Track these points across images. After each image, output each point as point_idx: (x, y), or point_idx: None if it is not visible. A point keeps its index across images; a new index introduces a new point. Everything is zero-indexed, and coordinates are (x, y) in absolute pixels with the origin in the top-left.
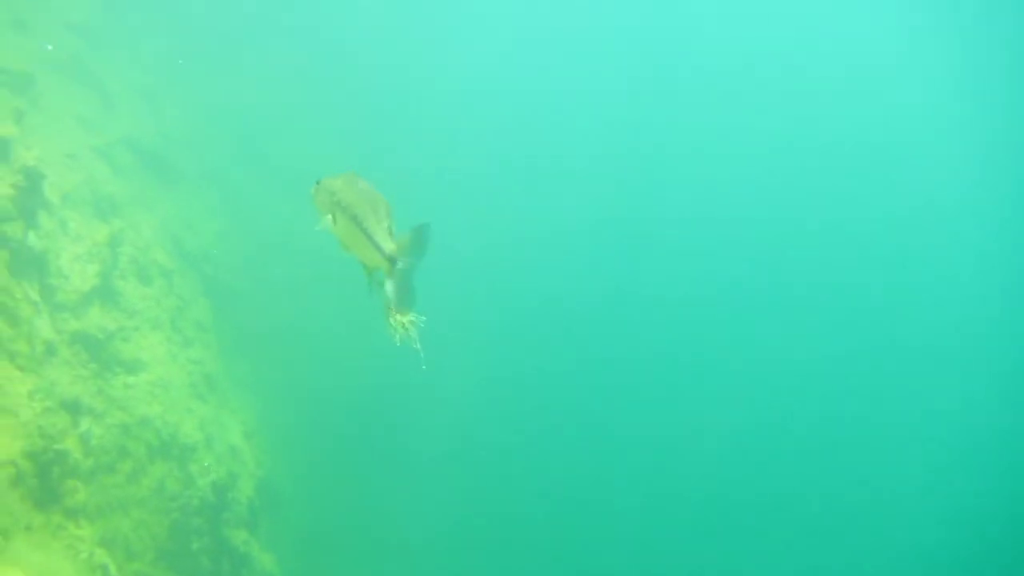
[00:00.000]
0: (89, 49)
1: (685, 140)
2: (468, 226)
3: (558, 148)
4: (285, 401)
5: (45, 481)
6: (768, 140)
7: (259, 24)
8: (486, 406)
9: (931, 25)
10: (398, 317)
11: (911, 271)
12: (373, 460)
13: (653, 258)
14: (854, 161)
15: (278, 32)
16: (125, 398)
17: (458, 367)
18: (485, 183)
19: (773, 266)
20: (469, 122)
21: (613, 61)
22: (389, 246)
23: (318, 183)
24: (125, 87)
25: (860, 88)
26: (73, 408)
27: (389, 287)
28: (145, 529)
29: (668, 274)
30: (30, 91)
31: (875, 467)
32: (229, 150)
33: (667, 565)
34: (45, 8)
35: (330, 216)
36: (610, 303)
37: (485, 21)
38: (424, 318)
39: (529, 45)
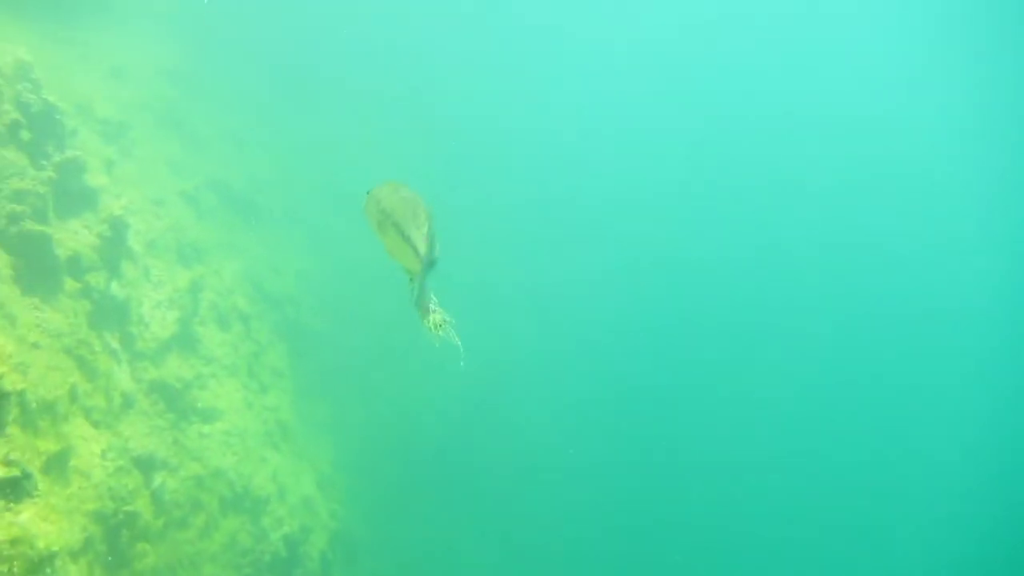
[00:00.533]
0: (181, 95)
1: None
2: (544, 258)
3: (636, 183)
4: (362, 442)
5: (114, 545)
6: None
7: (344, 64)
8: (571, 446)
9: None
10: (433, 317)
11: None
12: (452, 502)
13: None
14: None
15: (362, 71)
16: (200, 448)
17: (540, 405)
18: (566, 215)
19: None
20: (545, 156)
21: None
22: (424, 249)
23: (368, 193)
24: (214, 130)
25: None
26: (147, 464)
27: (416, 288)
28: None
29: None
30: (123, 138)
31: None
32: (314, 189)
33: None
34: (140, 56)
35: (377, 223)
36: (687, 333)
37: (561, 59)
38: (451, 319)
39: (607, 90)
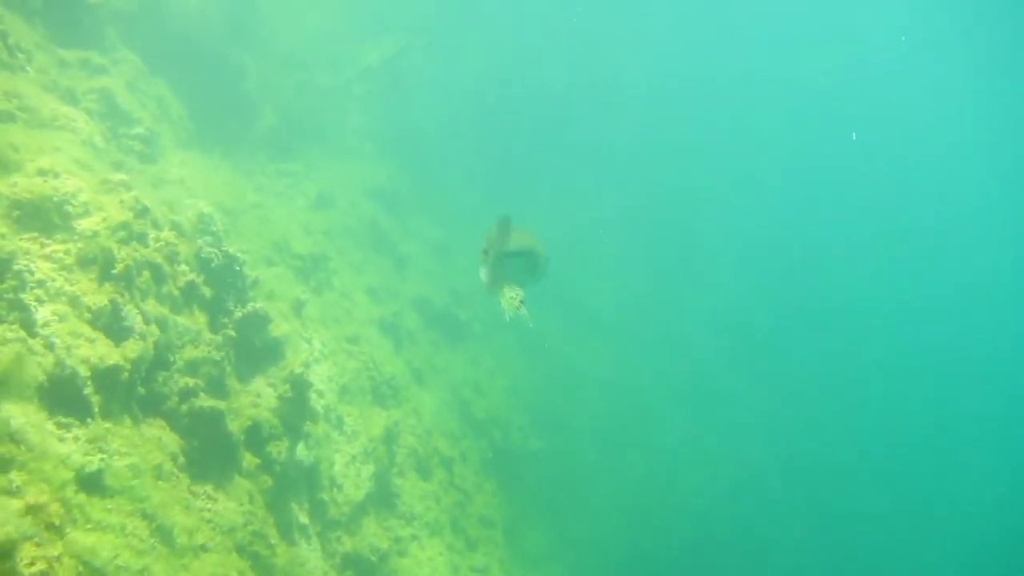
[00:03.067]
0: (384, 214)
1: None
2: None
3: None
4: (589, 567)
5: None
6: None
7: (550, 160)
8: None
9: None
10: (507, 298)
11: None
12: None
13: None
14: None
15: (567, 167)
16: None
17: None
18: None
19: None
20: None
21: None
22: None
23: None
24: (416, 246)
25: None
26: None
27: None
28: None
29: None
30: (321, 271)
31: None
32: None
33: None
34: (348, 178)
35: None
36: None
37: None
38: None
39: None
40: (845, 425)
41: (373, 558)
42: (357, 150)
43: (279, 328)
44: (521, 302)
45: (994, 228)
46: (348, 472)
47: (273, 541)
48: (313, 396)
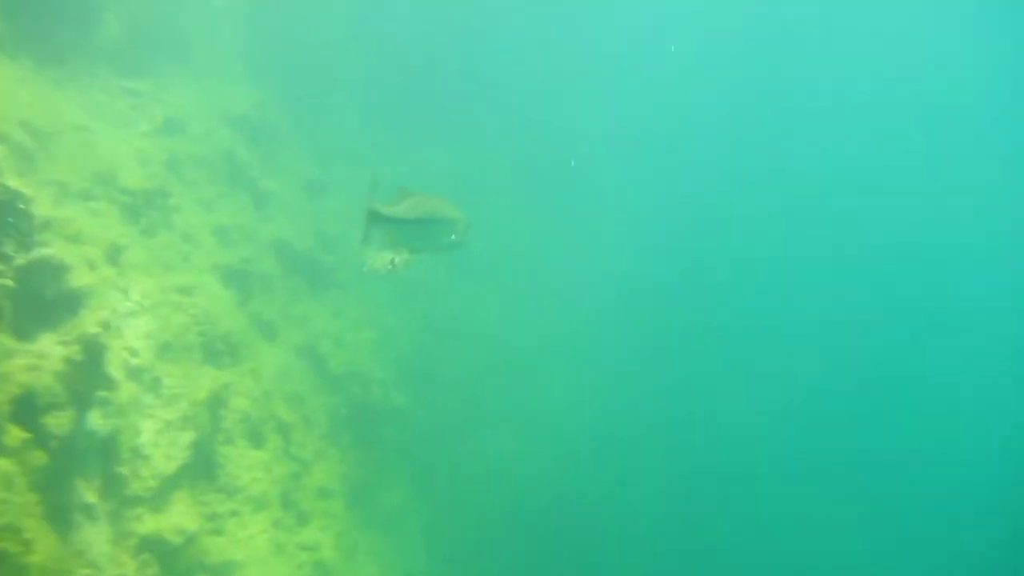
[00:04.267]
0: (245, 145)
1: None
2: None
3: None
4: (449, 539)
5: None
6: None
7: (453, 110)
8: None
9: None
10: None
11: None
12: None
13: None
14: None
15: (461, 106)
16: None
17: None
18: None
19: None
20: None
21: None
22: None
23: None
24: (284, 183)
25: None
26: None
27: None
28: None
29: None
30: (155, 210)
31: None
32: None
33: None
34: (206, 103)
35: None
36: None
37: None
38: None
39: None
40: (729, 390)
41: (177, 540)
42: (222, 72)
43: (82, 277)
44: (396, 262)
45: None
46: (160, 441)
47: (30, 535)
48: (123, 355)
